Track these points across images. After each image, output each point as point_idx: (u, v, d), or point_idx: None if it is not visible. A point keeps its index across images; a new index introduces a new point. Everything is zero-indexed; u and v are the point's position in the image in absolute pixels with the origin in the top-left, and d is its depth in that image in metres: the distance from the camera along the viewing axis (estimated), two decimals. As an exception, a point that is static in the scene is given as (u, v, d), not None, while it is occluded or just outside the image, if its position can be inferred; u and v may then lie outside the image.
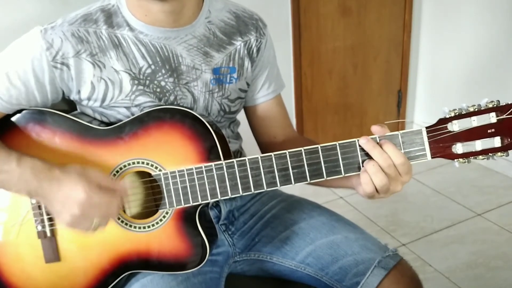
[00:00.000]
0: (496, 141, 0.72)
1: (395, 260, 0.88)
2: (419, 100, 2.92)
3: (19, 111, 0.82)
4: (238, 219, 1.01)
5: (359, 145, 0.75)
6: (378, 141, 0.74)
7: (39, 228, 0.82)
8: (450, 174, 2.33)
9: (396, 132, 0.74)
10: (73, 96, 0.84)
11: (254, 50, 0.94)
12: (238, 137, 1.02)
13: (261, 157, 0.76)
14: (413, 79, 2.87)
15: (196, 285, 0.83)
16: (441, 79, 2.72)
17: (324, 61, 2.56)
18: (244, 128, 1.04)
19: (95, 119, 0.86)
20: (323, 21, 2.47)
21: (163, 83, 0.85)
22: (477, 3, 2.38)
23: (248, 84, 0.96)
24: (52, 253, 0.83)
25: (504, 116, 0.70)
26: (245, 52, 0.92)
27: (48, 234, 0.82)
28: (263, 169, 0.76)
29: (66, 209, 0.74)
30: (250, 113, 1.02)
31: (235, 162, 0.76)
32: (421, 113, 2.92)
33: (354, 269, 0.88)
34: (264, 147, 1.04)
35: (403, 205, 2.18)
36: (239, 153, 1.01)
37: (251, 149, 1.06)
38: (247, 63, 0.93)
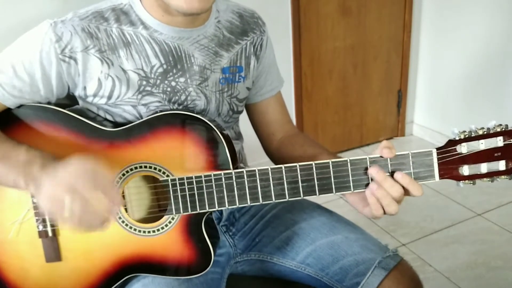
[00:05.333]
0: (501, 165, 0.73)
1: (395, 260, 0.88)
2: (419, 100, 2.92)
3: (23, 108, 0.81)
4: (238, 220, 1.01)
5: (370, 163, 0.74)
6: (389, 165, 0.74)
7: (40, 227, 0.82)
8: (450, 174, 2.33)
9: (407, 152, 0.74)
10: (79, 92, 0.83)
11: (258, 48, 0.95)
12: (239, 137, 1.03)
13: (271, 168, 0.76)
14: (413, 79, 2.87)
15: (197, 285, 0.83)
16: (441, 79, 2.72)
17: (324, 61, 2.56)
18: (244, 128, 1.04)
19: (98, 115, 0.86)
20: (323, 21, 2.47)
21: (173, 83, 0.85)
22: (477, 3, 2.38)
23: (253, 82, 0.97)
24: (53, 252, 0.83)
25: (511, 141, 0.72)
26: (251, 50, 0.94)
27: (50, 234, 0.82)
28: (272, 180, 0.76)
29: (48, 187, 0.69)
30: (251, 110, 1.03)
31: (244, 172, 0.76)
32: (421, 113, 2.92)
33: (354, 269, 0.88)
34: (264, 144, 1.05)
35: (403, 205, 2.17)
36: (240, 154, 1.01)
37: (251, 150, 1.06)
38: (253, 61, 0.94)
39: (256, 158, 1.03)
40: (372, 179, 0.75)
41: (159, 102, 0.84)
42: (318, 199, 1.04)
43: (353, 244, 0.91)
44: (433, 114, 2.83)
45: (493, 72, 2.39)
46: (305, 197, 0.77)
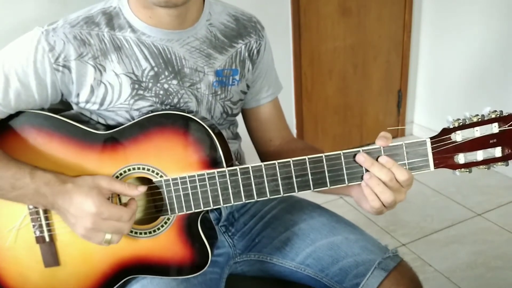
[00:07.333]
0: (497, 151, 0.72)
1: (395, 261, 0.88)
2: (419, 100, 2.92)
3: (15, 115, 0.81)
4: (238, 220, 1.01)
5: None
6: (382, 151, 0.73)
7: (37, 233, 0.81)
8: (450, 174, 2.32)
9: (400, 143, 0.74)
10: (72, 99, 0.83)
11: (255, 52, 0.94)
12: (237, 137, 1.03)
13: (264, 165, 0.75)
14: (413, 79, 2.87)
15: (196, 286, 0.83)
16: (441, 79, 2.72)
17: (324, 61, 2.56)
18: (242, 129, 1.04)
19: (91, 119, 0.86)
20: (323, 21, 2.47)
21: (166, 86, 0.84)
22: (477, 3, 2.38)
23: (248, 86, 0.96)
24: (51, 257, 0.82)
25: (506, 127, 0.71)
26: (246, 54, 0.92)
27: (47, 239, 0.82)
28: (266, 177, 0.75)
29: (79, 222, 0.74)
30: (248, 115, 1.03)
31: (238, 169, 0.76)
32: (421, 113, 2.92)
33: (354, 270, 0.88)
34: (260, 149, 1.04)
35: (403, 205, 2.16)
36: (238, 153, 1.01)
37: (250, 150, 1.06)
38: (248, 65, 0.93)
39: (256, 158, 1.02)
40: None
41: (152, 105, 0.84)
42: (317, 199, 1.04)
43: (353, 245, 0.91)
44: (433, 114, 2.83)
45: (493, 71, 2.39)
46: (300, 192, 0.76)
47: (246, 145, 1.05)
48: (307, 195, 1.03)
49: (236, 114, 0.97)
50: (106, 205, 0.73)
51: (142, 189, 0.76)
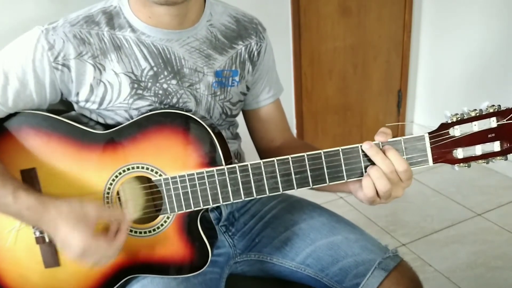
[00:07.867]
0: (496, 146, 0.72)
1: (395, 261, 0.88)
2: (419, 100, 2.92)
3: (13, 114, 0.81)
4: (238, 220, 1.01)
5: (362, 151, 0.74)
6: (381, 146, 0.74)
7: (37, 234, 0.82)
8: (450, 174, 2.33)
9: (399, 138, 0.74)
10: (72, 98, 0.83)
11: (255, 54, 0.94)
12: (236, 137, 1.02)
13: (263, 162, 0.75)
14: (413, 79, 2.87)
15: (196, 285, 0.83)
16: (441, 79, 2.72)
17: (324, 61, 2.56)
18: (243, 129, 1.04)
19: (91, 119, 0.86)
20: (323, 21, 2.47)
21: (165, 86, 0.84)
22: (477, 3, 2.38)
23: (248, 88, 0.96)
24: (52, 258, 0.82)
25: (504, 122, 0.71)
26: (246, 55, 0.92)
27: (47, 239, 0.82)
28: (265, 174, 0.76)
29: (67, 249, 0.74)
30: (249, 117, 1.02)
31: (237, 167, 0.76)
32: (421, 113, 2.92)
33: (354, 270, 0.88)
34: (262, 150, 1.04)
35: (403, 205, 2.18)
36: (238, 153, 1.01)
37: (250, 149, 1.06)
38: (248, 66, 0.93)
39: (256, 158, 1.02)
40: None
41: (150, 105, 0.84)
42: (318, 199, 1.04)
43: (353, 245, 0.91)
44: (433, 114, 2.83)
45: (493, 71, 2.39)
46: (299, 192, 0.77)
47: (246, 145, 1.05)
48: (308, 195, 1.03)
49: (236, 115, 0.97)
50: (93, 239, 0.73)
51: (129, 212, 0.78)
